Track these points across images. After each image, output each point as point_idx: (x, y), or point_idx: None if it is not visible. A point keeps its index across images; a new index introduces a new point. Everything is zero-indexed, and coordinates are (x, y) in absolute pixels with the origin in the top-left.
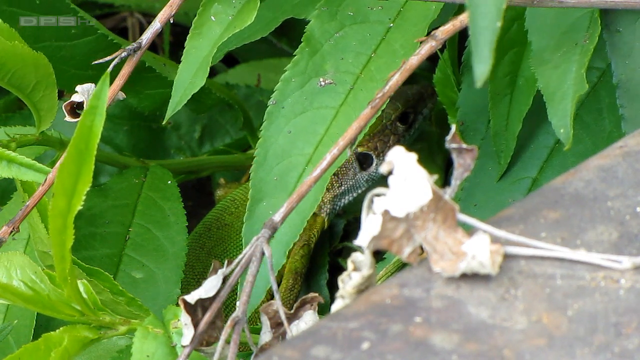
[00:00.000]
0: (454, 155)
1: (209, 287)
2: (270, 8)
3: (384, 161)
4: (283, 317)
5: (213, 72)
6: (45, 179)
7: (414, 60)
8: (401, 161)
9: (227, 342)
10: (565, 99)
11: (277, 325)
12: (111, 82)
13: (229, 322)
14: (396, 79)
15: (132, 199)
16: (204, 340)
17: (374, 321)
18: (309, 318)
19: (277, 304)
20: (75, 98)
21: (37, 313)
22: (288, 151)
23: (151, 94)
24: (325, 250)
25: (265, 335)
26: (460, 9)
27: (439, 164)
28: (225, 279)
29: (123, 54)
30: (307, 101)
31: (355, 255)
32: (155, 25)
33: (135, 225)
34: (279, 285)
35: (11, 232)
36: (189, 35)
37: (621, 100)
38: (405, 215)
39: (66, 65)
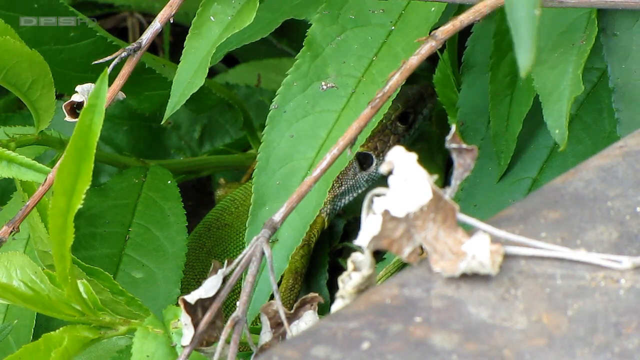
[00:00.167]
0: (454, 155)
1: (209, 287)
2: (270, 9)
3: (384, 161)
4: (283, 317)
5: (213, 72)
6: (45, 179)
7: (414, 60)
8: (401, 161)
9: (227, 342)
10: (561, 99)
11: (277, 325)
12: (111, 83)
13: (229, 322)
14: (396, 79)
15: (132, 199)
16: (204, 340)
17: (374, 321)
18: (309, 318)
19: (277, 304)
20: (75, 98)
21: (37, 313)
22: (290, 155)
23: (151, 96)
24: (325, 250)
25: (265, 335)
26: (460, 9)
27: (439, 164)
28: (225, 279)
29: (123, 54)
30: (309, 105)
31: (355, 255)
32: (155, 25)
33: (135, 225)
34: (279, 285)
35: (11, 232)
36: (188, 36)
37: (617, 104)
38: (405, 215)
39: (66, 68)
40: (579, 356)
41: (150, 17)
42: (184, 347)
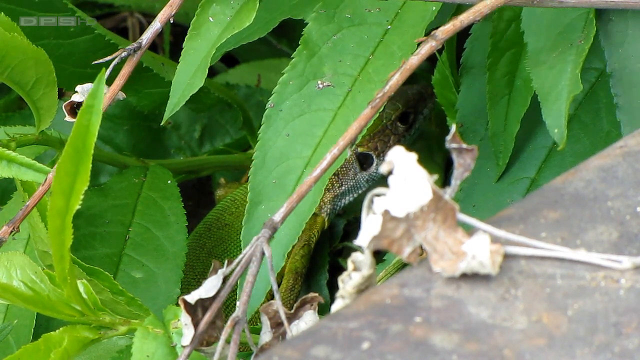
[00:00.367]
0: (454, 155)
1: (209, 287)
2: (268, 9)
3: (384, 161)
4: (283, 317)
5: (213, 72)
6: (45, 179)
7: (414, 60)
8: (401, 161)
9: (227, 342)
10: (559, 99)
11: (277, 325)
12: (111, 82)
13: (229, 322)
14: (396, 79)
15: (132, 198)
16: (204, 340)
17: (374, 321)
18: (309, 318)
19: (277, 304)
20: (76, 98)
21: (37, 313)
22: (286, 154)
23: (150, 93)
24: (325, 250)
25: (265, 335)
26: (460, 9)
27: (439, 163)
28: (225, 279)
29: (123, 54)
30: (305, 104)
31: (355, 255)
32: (155, 25)
33: (135, 225)
34: (279, 285)
35: (11, 232)
36: (187, 37)
37: (615, 88)
38: (405, 215)
39: (65, 63)
40: (579, 356)
41: (150, 17)
42: (184, 347)
